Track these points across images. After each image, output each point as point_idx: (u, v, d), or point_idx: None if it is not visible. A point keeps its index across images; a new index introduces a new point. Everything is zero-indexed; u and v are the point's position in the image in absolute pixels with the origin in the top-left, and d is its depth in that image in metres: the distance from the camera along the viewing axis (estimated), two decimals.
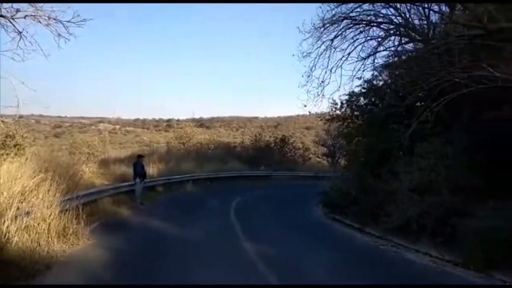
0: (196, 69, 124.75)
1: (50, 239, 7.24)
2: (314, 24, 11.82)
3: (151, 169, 19.44)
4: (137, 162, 14.70)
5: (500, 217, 6.91)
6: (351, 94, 13.66)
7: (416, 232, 8.65)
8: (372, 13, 11.54)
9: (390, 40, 12.34)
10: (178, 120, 75.47)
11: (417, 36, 11.29)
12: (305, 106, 12.95)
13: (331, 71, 12.25)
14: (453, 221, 7.76)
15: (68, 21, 7.58)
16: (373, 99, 13.08)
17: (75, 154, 20.89)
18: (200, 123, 70.69)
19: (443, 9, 10.52)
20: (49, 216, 7.43)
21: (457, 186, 8.57)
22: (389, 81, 12.48)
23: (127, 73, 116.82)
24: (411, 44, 12.19)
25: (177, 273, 6.40)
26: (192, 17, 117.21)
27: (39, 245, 6.93)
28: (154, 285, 5.87)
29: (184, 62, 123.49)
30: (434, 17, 10.93)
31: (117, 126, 76.34)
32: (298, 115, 70.21)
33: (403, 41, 12.12)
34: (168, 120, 79.44)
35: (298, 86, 12.82)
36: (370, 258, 8.23)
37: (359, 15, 11.45)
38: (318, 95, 12.57)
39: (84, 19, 7.67)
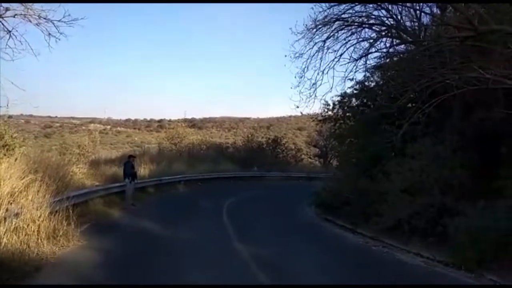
0: (187, 69, 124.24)
1: (39, 240, 7.13)
2: (306, 25, 11.84)
3: (143, 170, 19.33)
4: (128, 162, 14.63)
5: (489, 217, 6.97)
6: (343, 95, 13.73)
7: (408, 232, 8.70)
8: (364, 14, 11.59)
9: (382, 41, 12.44)
10: (169, 121, 75.16)
11: (408, 37, 11.36)
12: (298, 107, 12.95)
13: (323, 72, 12.28)
14: (444, 221, 7.81)
15: (59, 21, 7.54)
16: (365, 100, 13.13)
17: (66, 155, 20.59)
18: (192, 123, 70.48)
19: (434, 11, 10.62)
20: (39, 217, 7.32)
21: (448, 186, 8.63)
22: (381, 82, 12.54)
23: (118, 73, 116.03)
24: (402, 46, 12.27)
25: (170, 274, 6.35)
26: (183, 17, 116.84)
27: (29, 246, 6.82)
28: (154, 285, 5.85)
29: (176, 62, 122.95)
30: (425, 19, 11.04)
31: (108, 127, 75.71)
32: (290, 116, 70.07)
33: (394, 43, 12.19)
34: (160, 121, 79.00)
35: (291, 87, 12.81)
36: (361, 259, 8.26)
37: (351, 16, 11.48)
38: (311, 96, 12.59)
39: (75, 19, 7.63)
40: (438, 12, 10.46)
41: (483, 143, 8.90)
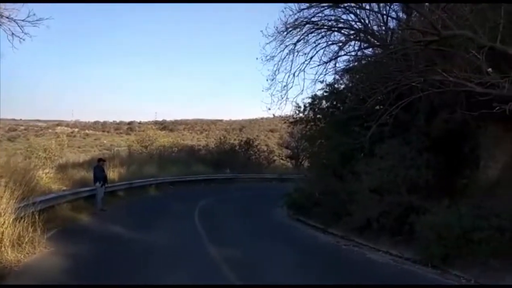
0: (158, 71, 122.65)
1: (3, 248, 6.85)
2: (277, 28, 11.97)
3: (112, 174, 18.92)
4: (97, 166, 14.29)
5: (452, 214, 7.23)
6: (314, 98, 13.94)
7: (377, 231, 8.90)
8: (333, 18, 11.83)
9: (350, 45, 12.74)
10: (140, 123, 73.95)
11: (376, 41, 11.66)
12: (269, 109, 13.10)
13: (294, 74, 12.46)
14: (411, 220, 8.03)
15: (23, 20, 7.28)
16: (335, 102, 13.37)
17: (31, 159, 19.92)
18: (163, 125, 69.61)
19: (401, 15, 10.96)
20: (3, 224, 7.05)
21: (415, 185, 8.89)
22: (350, 84, 12.80)
23: (86, 75, 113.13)
24: (370, 49, 12.59)
25: (141, 278, 6.22)
26: (154, 18, 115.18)
27: None
28: (154, 285, 5.83)
29: (146, 63, 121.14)
30: (392, 23, 11.37)
31: (76, 129, 73.69)
32: (262, 118, 70.31)
33: (362, 46, 12.48)
34: (130, 123, 77.53)
35: (262, 90, 12.94)
36: (332, 258, 8.41)
37: (321, 20, 11.71)
38: (282, 98, 12.75)
39: (40, 18, 7.40)
40: (404, 17, 10.79)
41: (447, 143, 9.22)
